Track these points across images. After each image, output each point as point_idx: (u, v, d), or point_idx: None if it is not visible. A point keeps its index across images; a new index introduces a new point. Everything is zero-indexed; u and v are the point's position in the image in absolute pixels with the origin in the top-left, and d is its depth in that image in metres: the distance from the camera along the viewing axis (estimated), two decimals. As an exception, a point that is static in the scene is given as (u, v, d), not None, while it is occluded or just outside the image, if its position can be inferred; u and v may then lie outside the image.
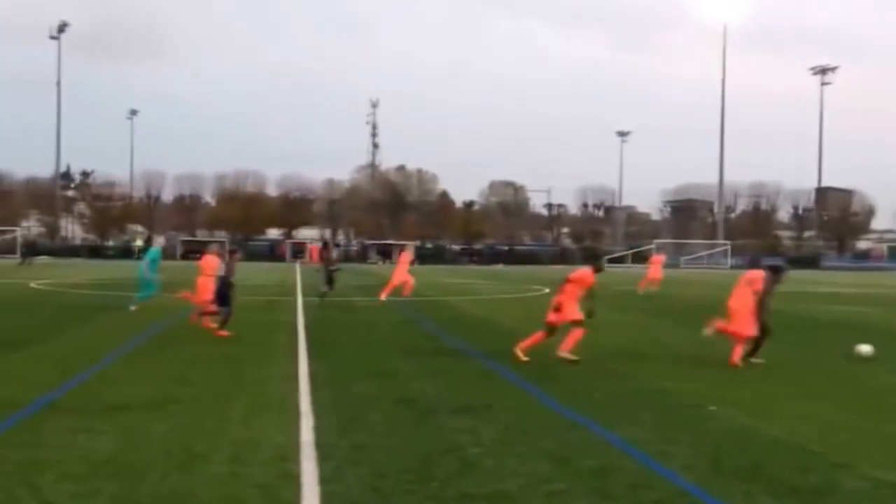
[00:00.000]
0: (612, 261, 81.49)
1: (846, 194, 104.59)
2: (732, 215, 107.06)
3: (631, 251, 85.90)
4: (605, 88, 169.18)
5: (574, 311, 13.23)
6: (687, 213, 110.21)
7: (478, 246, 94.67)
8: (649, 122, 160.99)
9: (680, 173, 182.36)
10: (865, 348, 14.34)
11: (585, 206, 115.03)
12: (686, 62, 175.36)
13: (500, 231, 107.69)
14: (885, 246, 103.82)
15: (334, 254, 31.51)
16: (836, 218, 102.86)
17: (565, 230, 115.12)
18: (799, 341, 16.96)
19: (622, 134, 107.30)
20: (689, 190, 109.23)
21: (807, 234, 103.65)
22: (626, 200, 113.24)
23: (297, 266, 59.85)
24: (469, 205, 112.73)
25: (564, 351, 13.08)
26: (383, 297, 26.07)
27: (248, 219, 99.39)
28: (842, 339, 17.74)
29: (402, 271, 27.97)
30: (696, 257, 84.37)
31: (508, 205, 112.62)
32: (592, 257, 25.83)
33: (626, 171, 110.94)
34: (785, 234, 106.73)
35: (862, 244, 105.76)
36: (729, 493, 6.40)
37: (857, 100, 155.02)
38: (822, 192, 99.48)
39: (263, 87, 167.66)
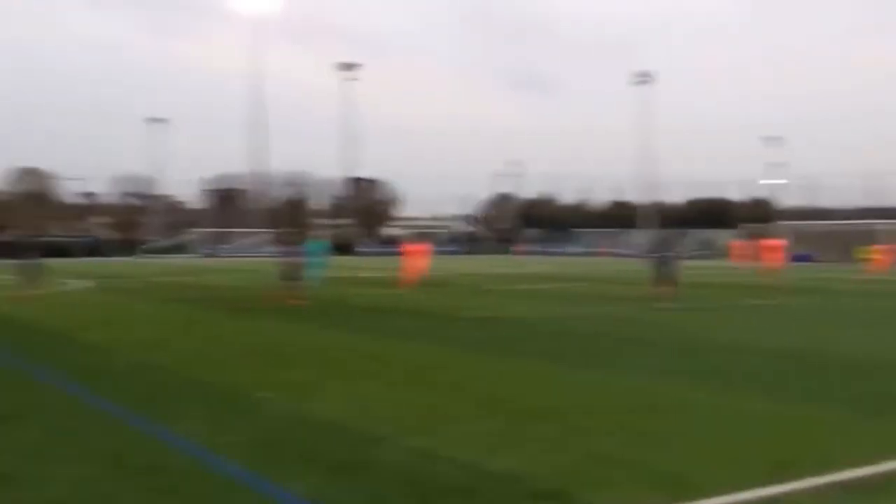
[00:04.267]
0: (153, 251, 79.55)
1: (375, 184, 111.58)
2: (271, 204, 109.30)
3: (172, 241, 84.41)
4: (140, 73, 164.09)
5: None
6: (227, 203, 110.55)
7: None
8: (189, 110, 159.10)
9: (220, 162, 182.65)
10: None
11: (123, 194, 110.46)
12: (223, 50, 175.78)
13: (28, 222, 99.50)
14: (409, 232, 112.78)
15: None
16: (366, 206, 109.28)
17: (101, 220, 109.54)
18: (336, 324, 17.85)
19: (161, 121, 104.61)
20: (229, 179, 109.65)
21: (341, 221, 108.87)
22: (166, 189, 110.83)
23: None
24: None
25: None
26: None
27: None
28: (376, 320, 19.00)
29: None
30: (238, 246, 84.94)
31: (35, 193, 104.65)
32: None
33: (164, 159, 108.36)
34: (321, 222, 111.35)
35: (389, 231, 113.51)
36: (279, 476, 6.55)
37: (384, 95, 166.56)
38: (353, 182, 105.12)
39: None
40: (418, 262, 32.60)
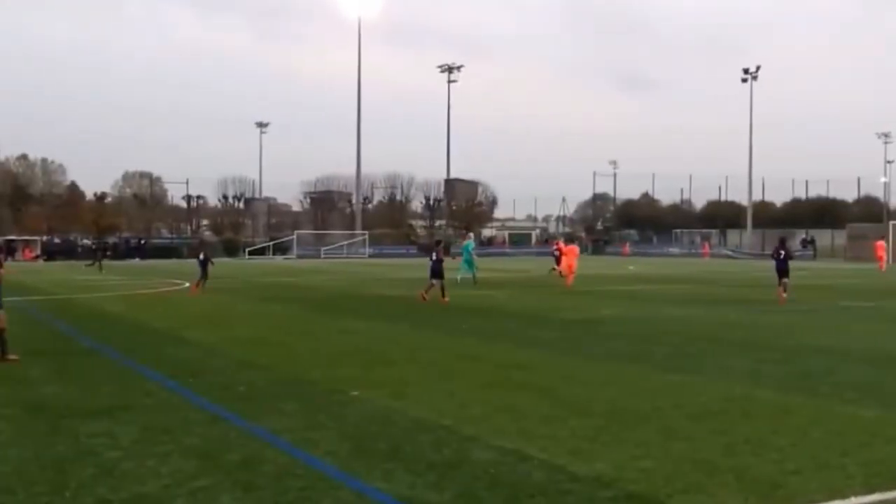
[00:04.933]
0: (254, 252, 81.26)
1: (472, 185, 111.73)
2: (370, 206, 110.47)
3: (272, 242, 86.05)
4: (243, 78, 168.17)
5: None
6: (326, 205, 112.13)
7: (111, 240, 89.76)
8: (288, 112, 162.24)
9: (319, 164, 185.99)
10: None
11: (225, 197, 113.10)
12: (323, 54, 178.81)
13: (136, 224, 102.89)
14: (506, 233, 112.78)
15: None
16: (463, 207, 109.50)
17: (205, 222, 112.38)
18: (429, 324, 17.94)
19: (261, 125, 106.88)
20: (328, 181, 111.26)
21: (438, 222, 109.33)
22: (267, 192, 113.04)
23: None
24: (101, 197, 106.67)
25: None
26: None
27: None
28: (468, 320, 19.02)
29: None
30: (336, 247, 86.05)
31: (144, 196, 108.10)
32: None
33: (265, 162, 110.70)
34: (418, 223, 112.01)
35: (486, 231, 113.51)
36: (370, 474, 6.63)
37: (480, 97, 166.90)
38: (451, 183, 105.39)
39: None
40: (571, 261, 33.08)
